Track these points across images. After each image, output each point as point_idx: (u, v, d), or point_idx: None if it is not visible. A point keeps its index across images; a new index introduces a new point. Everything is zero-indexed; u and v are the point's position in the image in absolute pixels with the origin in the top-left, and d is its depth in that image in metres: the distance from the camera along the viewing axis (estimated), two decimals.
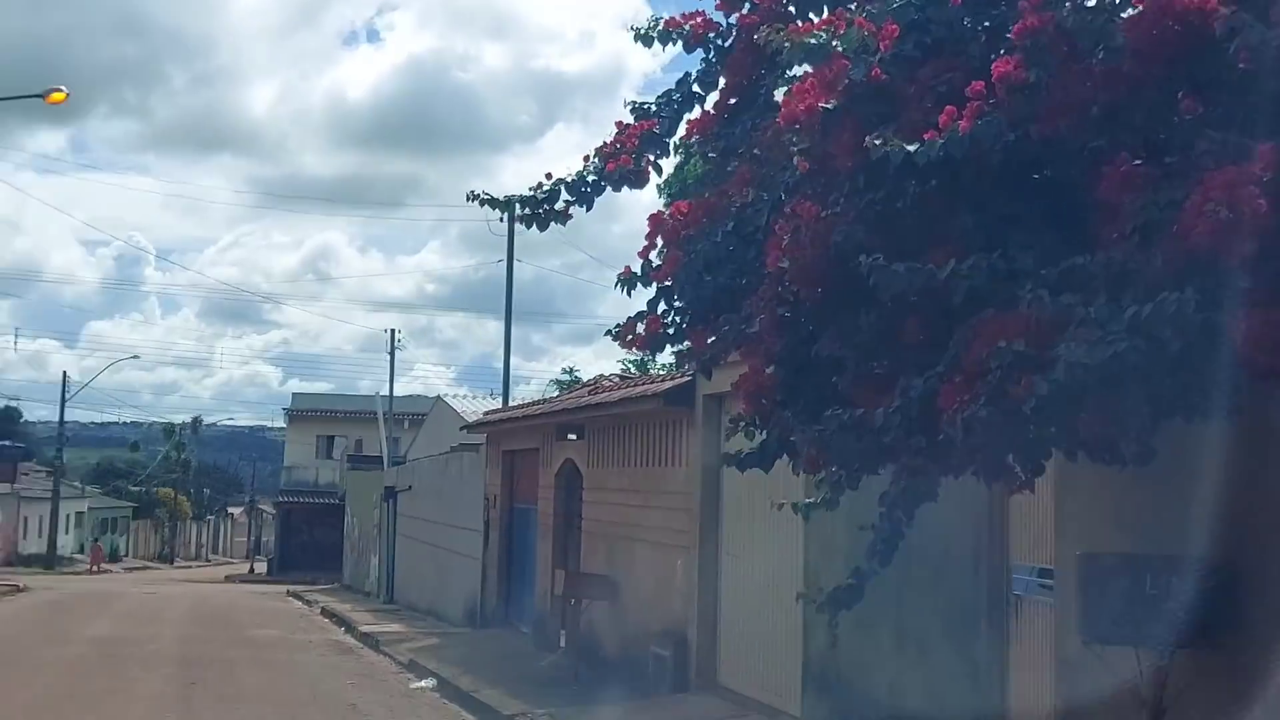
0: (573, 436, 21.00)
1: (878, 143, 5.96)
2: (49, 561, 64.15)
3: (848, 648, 12.32)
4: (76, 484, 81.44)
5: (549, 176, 7.93)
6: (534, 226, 7.90)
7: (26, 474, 72.11)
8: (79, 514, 78.97)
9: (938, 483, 6.89)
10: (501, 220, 39.30)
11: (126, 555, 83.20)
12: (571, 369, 44.62)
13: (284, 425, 78.22)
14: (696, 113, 7.89)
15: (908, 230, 6.39)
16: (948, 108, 5.95)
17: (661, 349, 8.05)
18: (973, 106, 5.90)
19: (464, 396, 49.92)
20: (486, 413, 29.93)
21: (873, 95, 6.43)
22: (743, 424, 7.66)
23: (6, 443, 70.30)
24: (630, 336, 7.88)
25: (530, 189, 7.94)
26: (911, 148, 5.89)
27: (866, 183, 6.42)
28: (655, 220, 7.68)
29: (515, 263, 39.51)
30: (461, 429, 30.34)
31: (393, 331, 58.49)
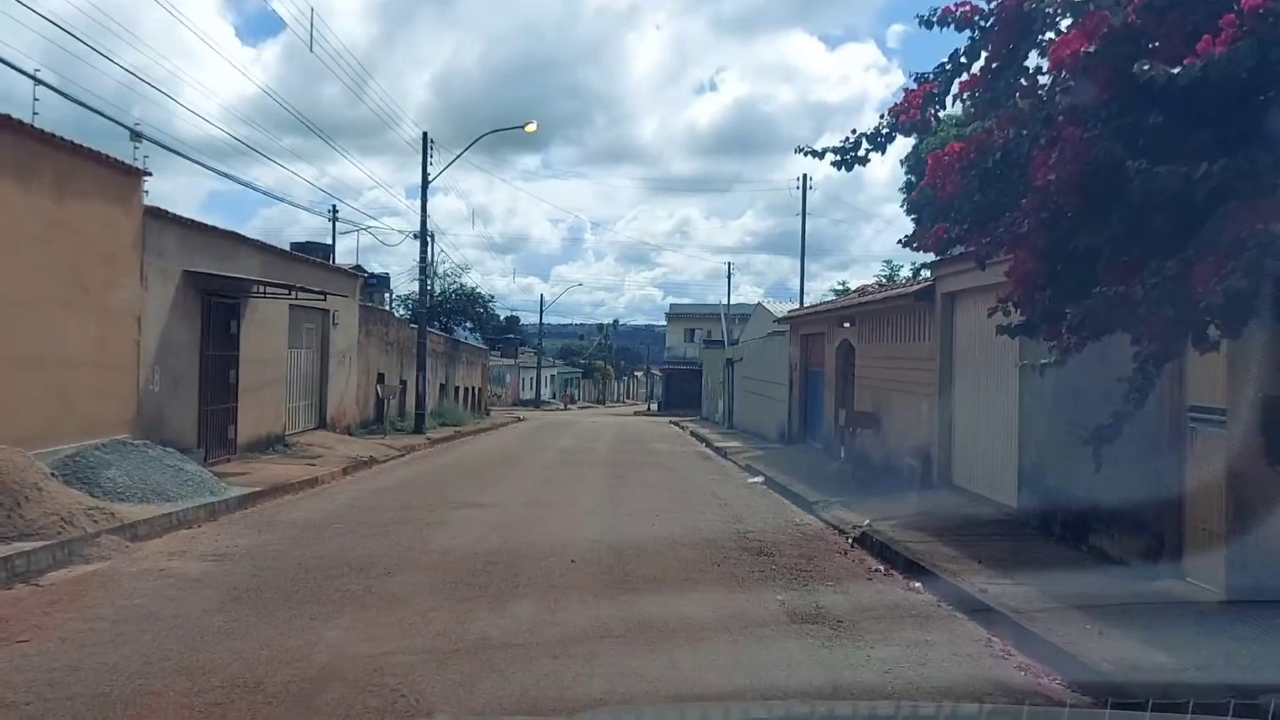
0: (847, 324, 19.64)
1: (1145, 68, 4.45)
2: (535, 404, 66.96)
3: (1054, 463, 10.72)
4: (549, 359, 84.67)
5: (853, 132, 6.69)
6: (843, 169, 6.66)
7: (522, 354, 75.31)
8: (550, 376, 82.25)
9: (1185, 345, 5.34)
10: (796, 188, 38.51)
11: (578, 400, 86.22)
12: (843, 283, 42.94)
13: (665, 323, 78.69)
14: (964, 77, 6.42)
15: (1152, 147, 4.85)
16: (1205, 36, 4.37)
17: (945, 250, 6.71)
18: (1227, 34, 4.30)
19: (772, 303, 48.77)
20: (789, 312, 28.62)
21: (1126, 38, 4.86)
22: (1010, 304, 6.23)
23: (511, 336, 73.39)
24: (918, 244, 6.58)
25: (840, 142, 6.69)
26: (1175, 70, 4.36)
27: (1120, 109, 4.90)
28: (935, 158, 6.32)
29: (802, 216, 37.99)
30: (774, 322, 29.22)
31: (729, 264, 58.14)
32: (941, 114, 6.50)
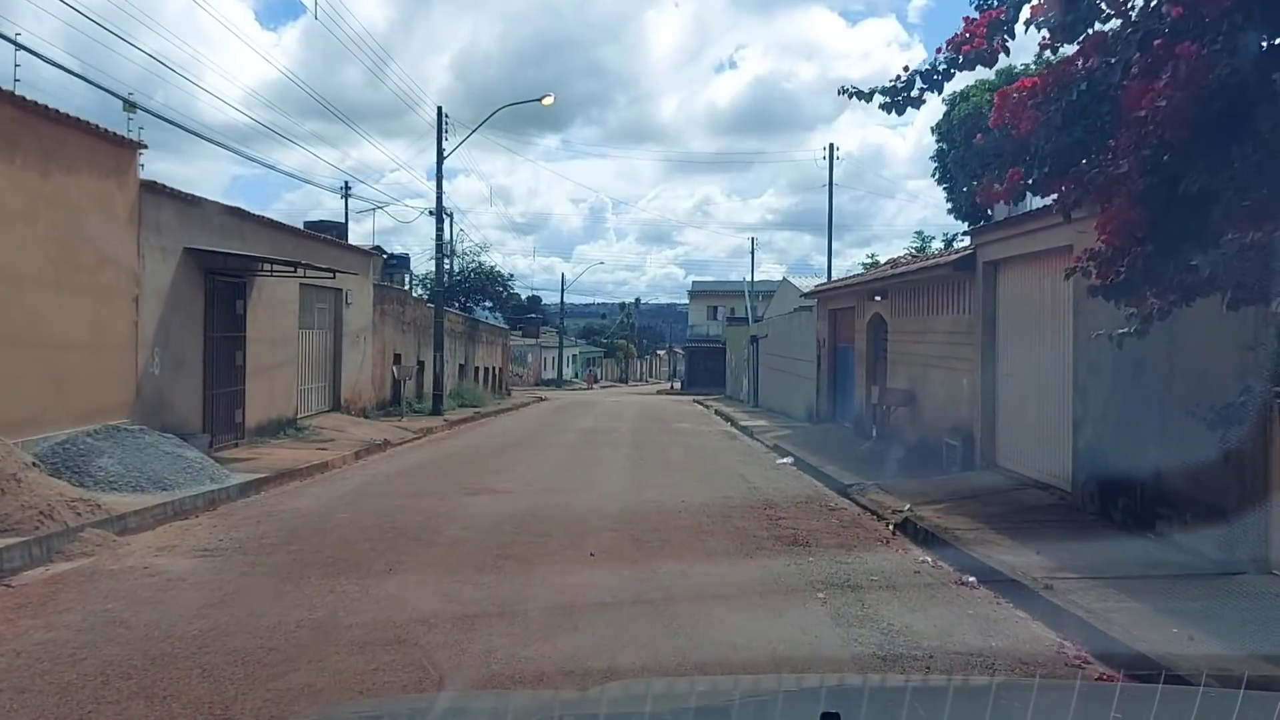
0: (879, 297, 18.73)
1: None
2: (557, 383, 66.39)
3: (1114, 441, 9.82)
4: (571, 338, 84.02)
5: (905, 69, 5.74)
6: (893, 111, 5.73)
7: (544, 333, 74.63)
8: (573, 356, 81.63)
9: None
10: (821, 159, 37.36)
11: (600, 379, 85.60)
12: (872, 255, 42.03)
13: (687, 301, 77.47)
14: (1035, 0, 5.46)
15: None
16: None
17: (1021, 199, 5.78)
18: None
19: (796, 278, 47.93)
20: (817, 286, 27.64)
21: None
22: (1094, 262, 5.31)
23: (533, 315, 72.65)
24: (988, 193, 5.66)
25: (890, 81, 5.77)
26: None
27: (1245, 19, 3.99)
28: (1002, 95, 5.41)
29: (829, 187, 36.89)
30: (801, 296, 28.24)
31: (752, 239, 57.12)
32: (1004, 48, 5.52)
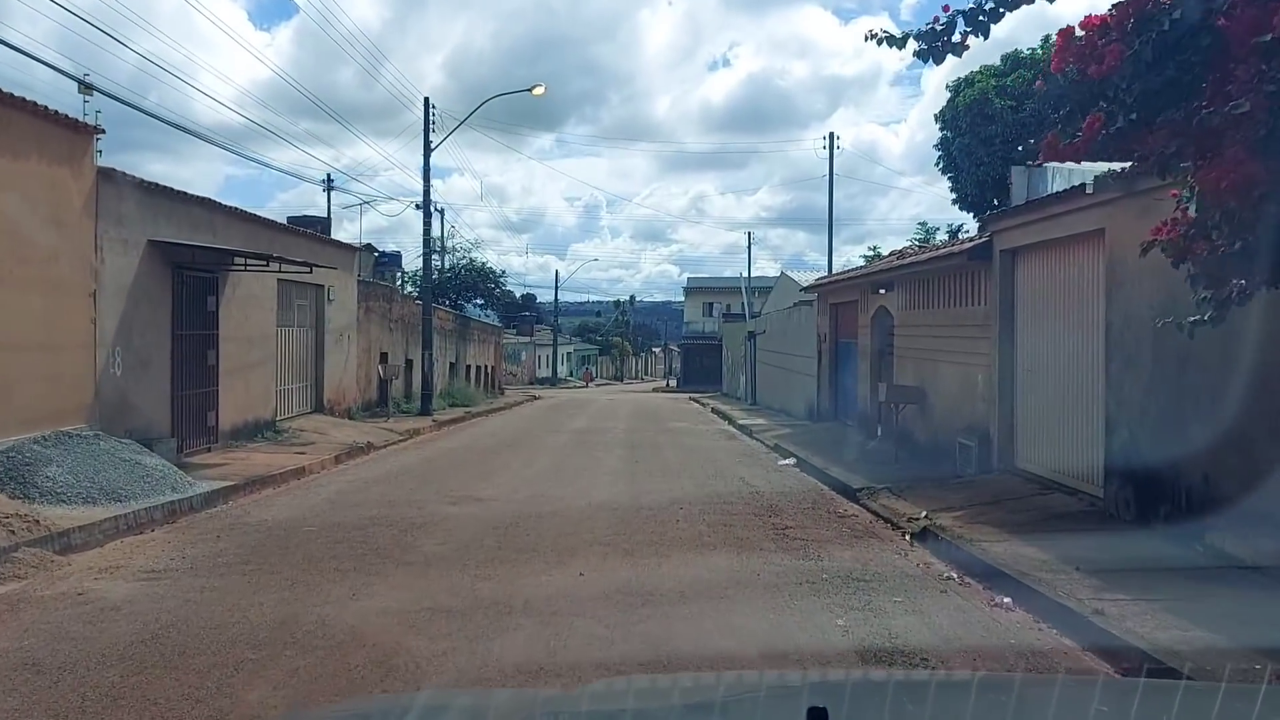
0: (884, 290, 17.86)
1: None
2: (552, 382, 65.36)
3: (1155, 442, 8.94)
4: (566, 336, 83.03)
5: (945, 9, 4.86)
6: (929, 60, 4.85)
7: (539, 331, 73.70)
8: (568, 354, 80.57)
9: None
10: (821, 150, 36.51)
11: (595, 377, 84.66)
12: (874, 248, 41.30)
13: (683, 299, 76.52)
14: None
15: None
16: None
17: (1099, 153, 4.89)
18: None
19: (795, 273, 47.09)
20: (818, 279, 26.75)
21: None
22: (1193, 231, 4.43)
23: (527, 313, 71.76)
24: (1058, 147, 4.77)
25: (927, 24, 4.88)
26: None
27: None
28: (1065, 34, 4.54)
29: (829, 177, 36.02)
30: (800, 290, 27.39)
31: (749, 234, 56.16)
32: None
